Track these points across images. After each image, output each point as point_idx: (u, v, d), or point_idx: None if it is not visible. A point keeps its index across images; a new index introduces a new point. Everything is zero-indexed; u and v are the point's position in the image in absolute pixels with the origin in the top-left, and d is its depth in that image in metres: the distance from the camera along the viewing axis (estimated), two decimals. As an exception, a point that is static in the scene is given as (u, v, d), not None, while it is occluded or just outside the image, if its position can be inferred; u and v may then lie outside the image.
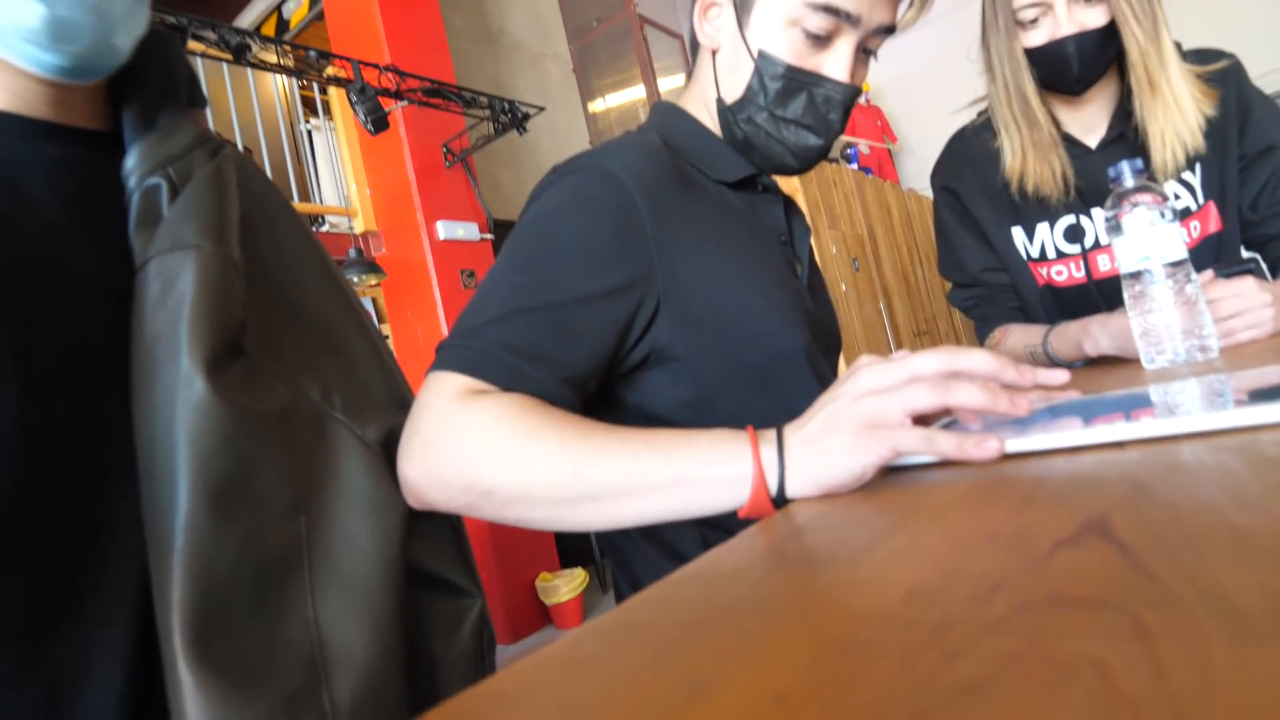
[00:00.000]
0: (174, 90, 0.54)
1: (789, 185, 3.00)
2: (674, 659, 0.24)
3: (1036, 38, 0.91)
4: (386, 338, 2.70)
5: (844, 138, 4.39)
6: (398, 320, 3.38)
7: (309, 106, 3.92)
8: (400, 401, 0.58)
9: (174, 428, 0.44)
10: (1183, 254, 0.68)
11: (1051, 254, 1.02)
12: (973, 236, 1.08)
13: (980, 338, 1.11)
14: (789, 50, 0.64)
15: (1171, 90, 0.88)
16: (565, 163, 0.65)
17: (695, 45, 0.73)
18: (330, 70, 3.04)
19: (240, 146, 3.26)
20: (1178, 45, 0.92)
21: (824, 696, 0.19)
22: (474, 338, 0.55)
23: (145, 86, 0.52)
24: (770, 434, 0.47)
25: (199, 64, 2.71)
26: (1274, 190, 0.94)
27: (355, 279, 2.97)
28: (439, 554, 0.57)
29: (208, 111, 0.59)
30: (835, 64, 0.65)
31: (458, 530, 0.60)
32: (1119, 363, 0.80)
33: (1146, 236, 0.68)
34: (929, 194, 1.14)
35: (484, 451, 0.49)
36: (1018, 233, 1.04)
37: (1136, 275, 0.69)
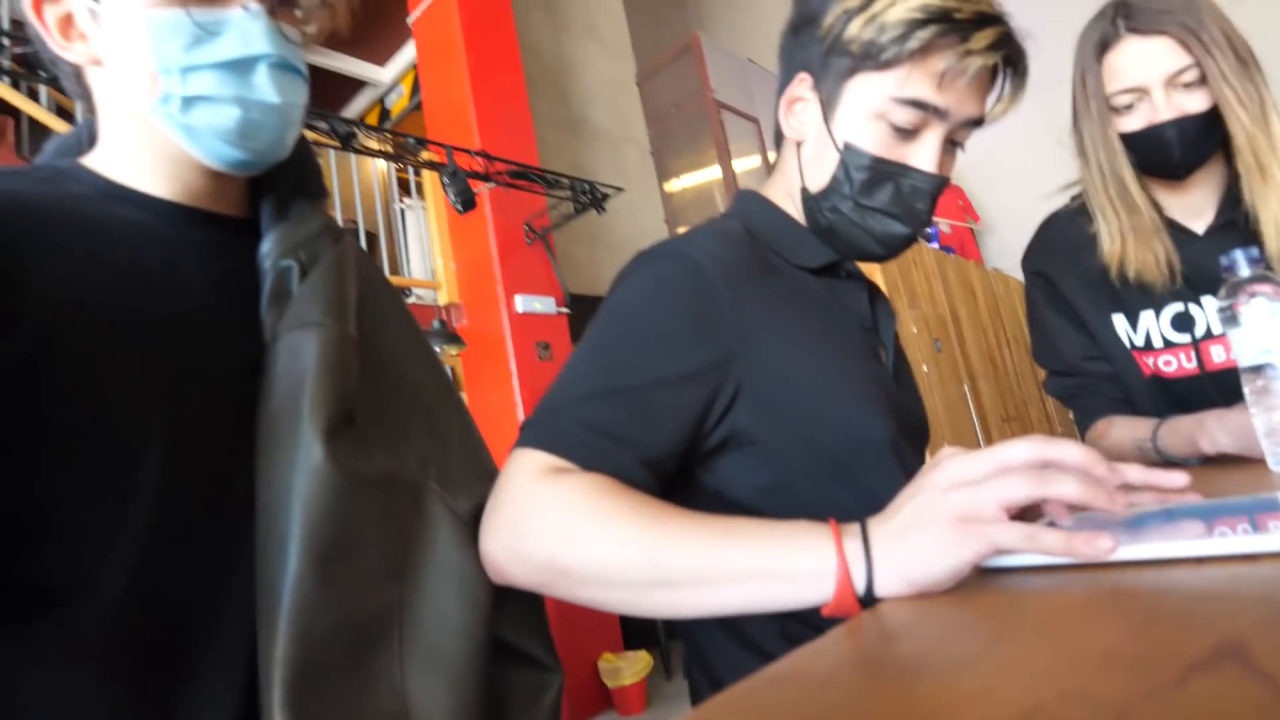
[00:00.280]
0: (306, 183, 0.60)
1: (867, 264, 2.97)
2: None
3: (1133, 123, 0.89)
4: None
5: (922, 218, 4.35)
6: (474, 389, 3.48)
7: (403, 187, 4.21)
8: (487, 475, 0.59)
9: (291, 491, 0.47)
10: (1308, 347, 0.63)
11: (1158, 343, 0.96)
12: (1069, 323, 1.03)
13: (1081, 429, 1.04)
14: (875, 143, 0.65)
15: (1284, 175, 0.84)
16: (649, 249, 0.66)
17: (779, 137, 0.75)
18: (425, 155, 3.26)
19: (340, 222, 3.51)
20: (1287, 129, 0.88)
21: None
22: (557, 416, 0.56)
23: (283, 180, 0.58)
24: (854, 528, 0.45)
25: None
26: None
27: (437, 349, 3.09)
28: (523, 628, 0.58)
29: None
30: (922, 155, 0.65)
31: (540, 606, 0.60)
32: (1241, 462, 0.74)
33: (1268, 328, 0.64)
34: (1014, 274, 1.10)
35: (562, 530, 0.49)
36: (1119, 320, 0.99)
37: (1259, 369, 0.65)
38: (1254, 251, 0.66)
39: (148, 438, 0.44)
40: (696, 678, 0.68)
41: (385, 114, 5.38)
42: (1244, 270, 0.66)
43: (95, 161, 0.54)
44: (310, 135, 2.86)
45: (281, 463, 0.47)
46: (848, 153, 0.66)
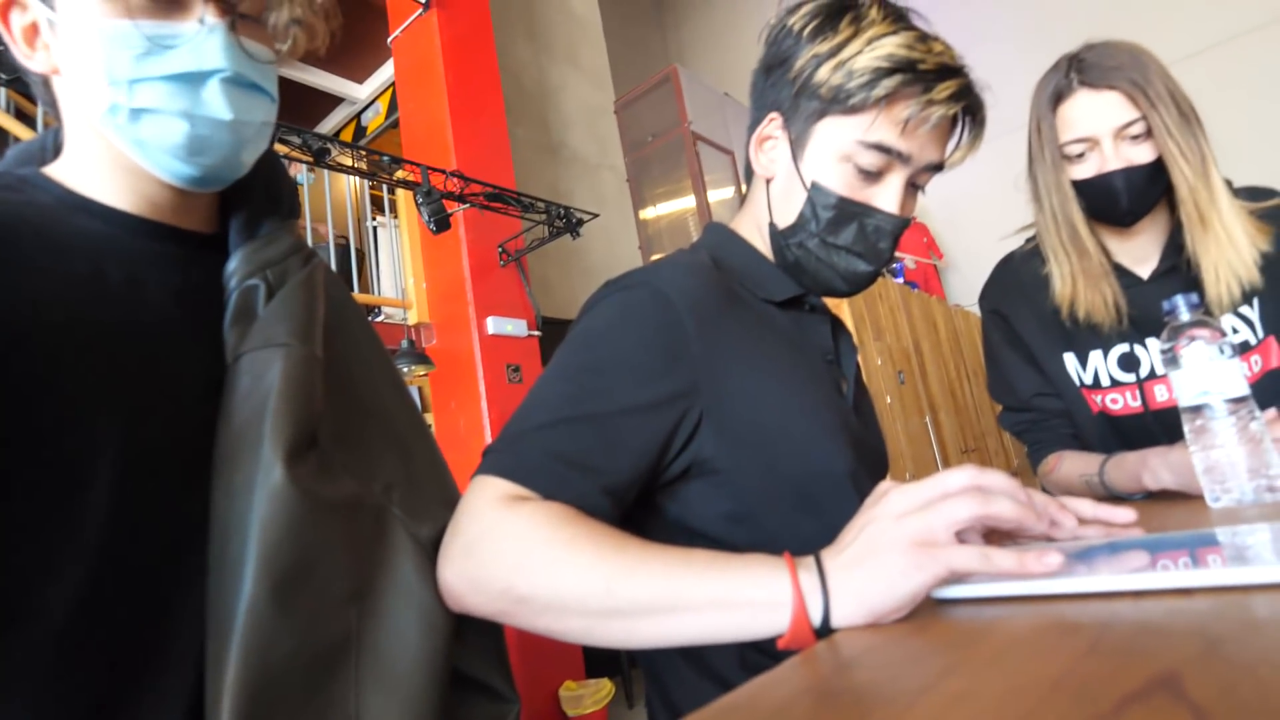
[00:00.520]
0: (276, 203, 0.60)
1: (833, 298, 3.03)
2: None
3: (1084, 171, 0.93)
4: (429, 427, 2.74)
5: (888, 252, 4.45)
6: (442, 410, 3.44)
7: (377, 205, 4.19)
8: (451, 502, 0.59)
9: (248, 513, 0.46)
10: (1244, 390, 0.66)
11: (1106, 382, 1.00)
12: (1023, 360, 1.07)
13: (1033, 464, 1.08)
14: (841, 183, 0.67)
15: (1223, 225, 0.89)
16: (618, 279, 0.67)
17: (750, 172, 0.77)
18: (400, 174, 3.25)
19: (310, 239, 3.45)
20: (1228, 182, 0.93)
21: None
22: (519, 443, 0.56)
23: (253, 197, 0.58)
24: (809, 560, 0.46)
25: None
26: (1338, 328, 0.92)
27: (405, 369, 3.06)
28: (482, 658, 0.57)
29: None
30: (886, 197, 0.68)
31: (500, 636, 0.60)
32: (1181, 498, 0.77)
33: (1205, 371, 0.67)
34: (975, 310, 1.14)
35: (519, 559, 0.50)
36: (1070, 359, 1.03)
37: (1197, 409, 0.68)
38: (1194, 297, 0.70)
39: (99, 457, 0.43)
40: (655, 707, 0.68)
41: (361, 131, 5.36)
42: (1184, 315, 0.69)
43: (58, 171, 0.53)
44: (282, 149, 2.84)
45: (239, 484, 0.47)
46: (815, 191, 0.68)
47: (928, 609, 0.43)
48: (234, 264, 0.55)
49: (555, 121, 4.66)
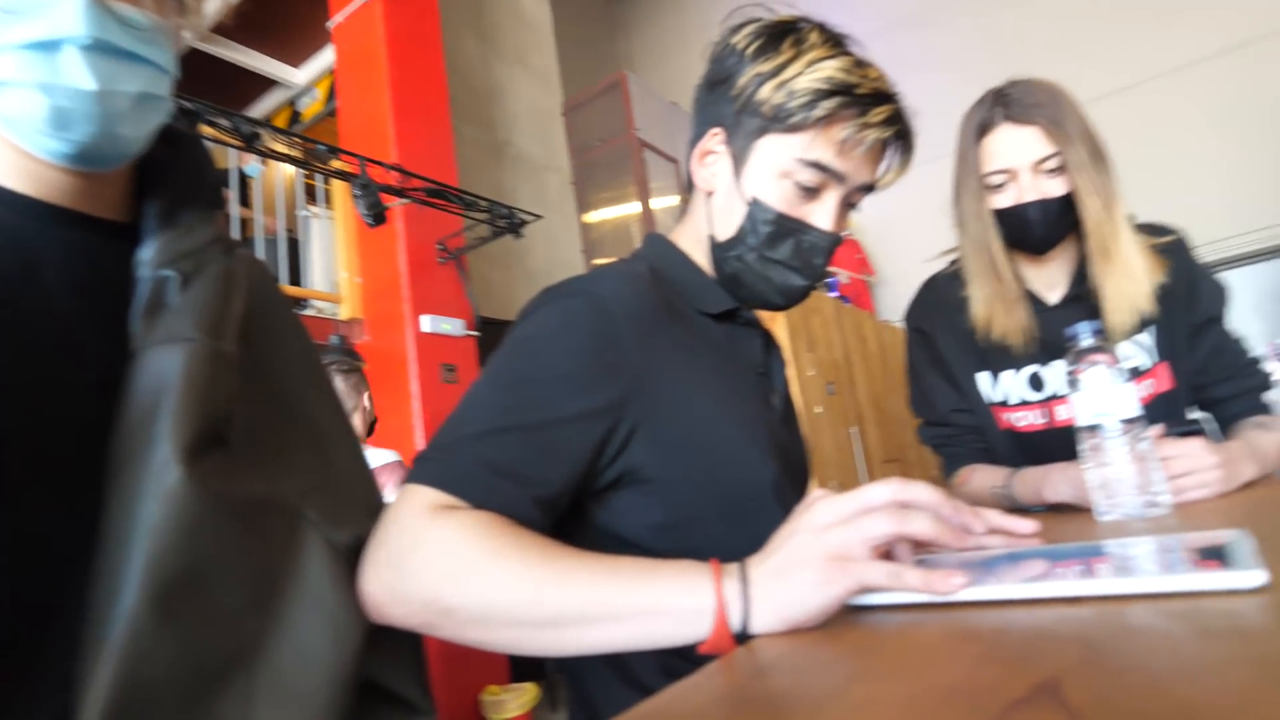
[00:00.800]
0: (198, 192, 0.57)
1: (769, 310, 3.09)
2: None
3: (1003, 200, 0.99)
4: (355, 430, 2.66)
5: (824, 267, 4.58)
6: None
7: (310, 194, 4.05)
8: (373, 509, 0.57)
9: (135, 516, 0.43)
10: (1136, 412, 0.72)
11: (1014, 400, 1.06)
12: (942, 378, 1.12)
13: (947, 476, 1.13)
14: (780, 199, 0.69)
15: (1124, 258, 0.95)
16: (556, 286, 0.68)
17: (690, 185, 0.78)
18: (336, 164, 3.16)
19: (238, 226, 3.31)
20: (1131, 217, 1.00)
21: None
22: (450, 453, 0.56)
23: (171, 185, 0.55)
24: (734, 568, 0.47)
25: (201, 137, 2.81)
26: (1219, 357, 1.01)
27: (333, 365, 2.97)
28: (396, 668, 0.55)
29: None
30: (821, 214, 0.70)
31: (418, 645, 0.59)
32: (1076, 511, 0.82)
33: (1102, 393, 0.72)
34: (903, 325, 1.19)
35: (447, 570, 0.49)
36: (983, 378, 1.08)
37: (1093, 429, 0.73)
38: (1096, 325, 0.75)
39: None
40: (576, 712, 0.69)
41: (296, 117, 5.18)
42: (1086, 341, 0.74)
43: None
44: (210, 132, 2.72)
45: (128, 486, 0.44)
46: (754, 206, 0.70)
47: (842, 615, 0.45)
48: (146, 253, 0.52)
49: (501, 121, 4.62)
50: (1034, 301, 1.04)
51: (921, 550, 0.55)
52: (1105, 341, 0.75)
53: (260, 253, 3.38)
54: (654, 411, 0.63)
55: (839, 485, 3.42)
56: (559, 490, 0.58)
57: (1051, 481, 0.85)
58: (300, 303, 3.48)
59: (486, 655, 3.10)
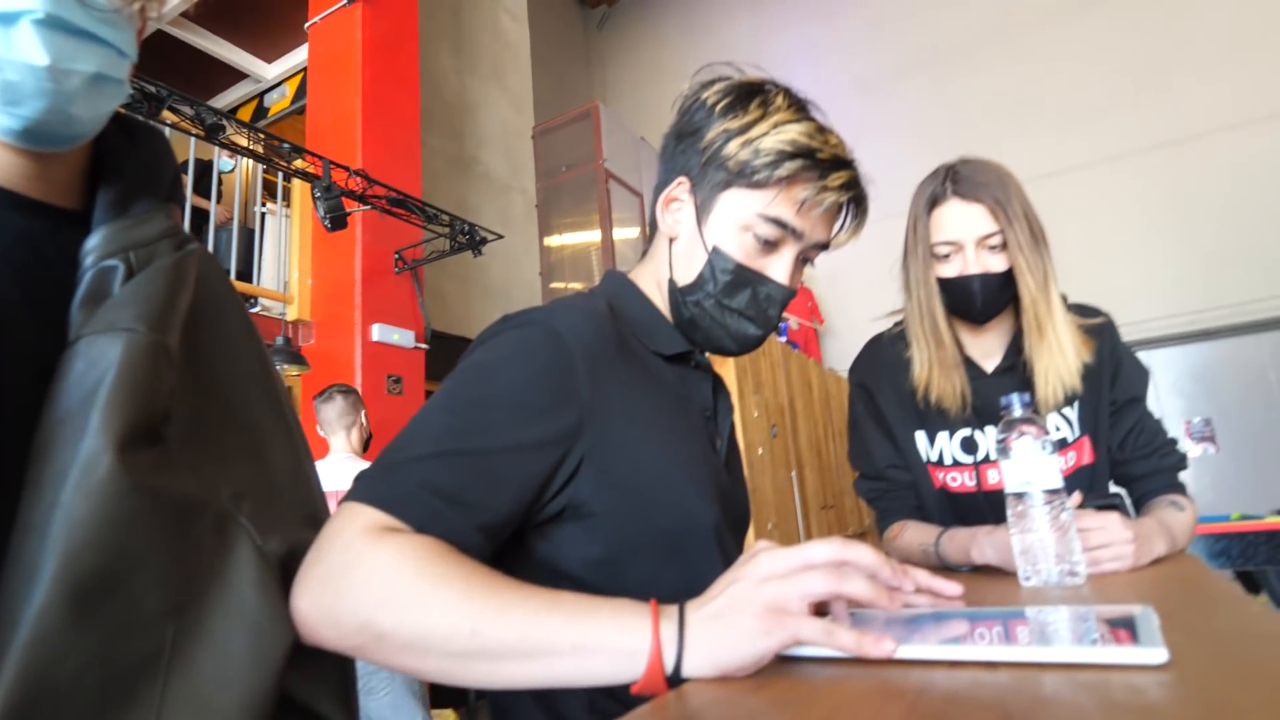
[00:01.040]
0: (154, 183, 0.55)
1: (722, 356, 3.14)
2: None
3: (948, 270, 1.04)
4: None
5: (777, 311, 4.69)
6: (312, 415, 3.26)
7: (269, 190, 3.96)
8: (312, 520, 0.56)
9: (57, 507, 0.41)
10: (1060, 484, 0.76)
11: (948, 460, 1.10)
12: (881, 433, 1.16)
13: (880, 529, 1.16)
14: (740, 250, 0.72)
15: (1056, 335, 1.01)
16: (515, 315, 0.68)
17: (654, 229, 0.80)
18: (299, 163, 3.11)
19: (189, 216, 3.20)
20: (1064, 297, 1.06)
21: None
22: (396, 473, 0.55)
23: (126, 174, 0.54)
24: (673, 610, 0.48)
25: (166, 132, 2.73)
26: (1138, 436, 1.07)
27: (276, 367, 2.88)
28: (319, 687, 0.53)
29: None
30: (778, 268, 0.73)
31: (346, 661, 0.57)
32: (1000, 574, 0.85)
33: (1029, 463, 0.76)
34: (848, 377, 1.23)
35: (384, 594, 0.48)
36: (920, 436, 1.13)
37: (1020, 496, 0.76)
38: (1026, 396, 0.79)
39: None
40: (501, 745, 0.67)
41: (262, 111, 5.08)
42: (1017, 411, 0.78)
43: None
44: (171, 118, 2.65)
45: (50, 477, 0.42)
46: (715, 255, 0.72)
47: (773, 663, 0.46)
48: (93, 241, 0.50)
49: (471, 137, 4.61)
50: (971, 368, 1.09)
51: (854, 606, 0.57)
52: (1035, 414, 0.79)
53: (210, 244, 3.27)
54: (602, 447, 0.63)
55: (777, 527, 3.46)
56: (503, 519, 0.58)
57: (979, 543, 0.89)
58: (248, 300, 3.38)
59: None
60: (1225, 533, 3.78)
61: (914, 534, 1.05)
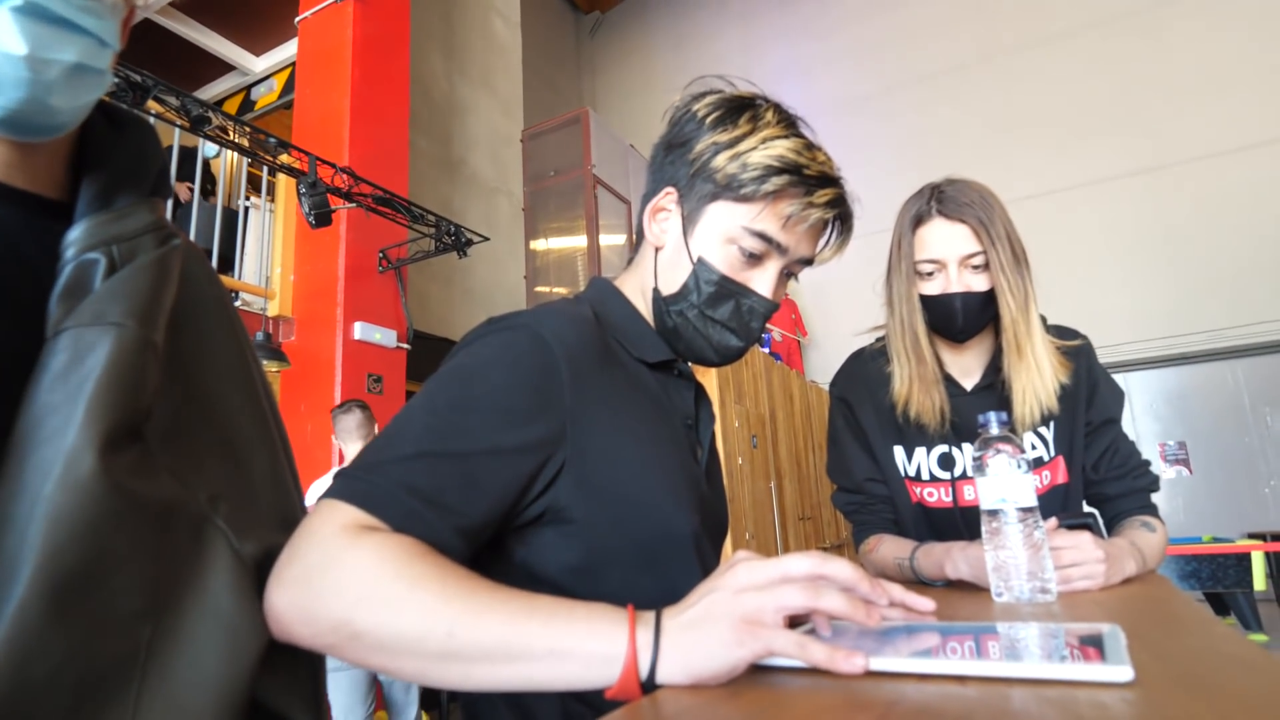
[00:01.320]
0: (140, 176, 0.54)
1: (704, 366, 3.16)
2: None
3: (931, 288, 1.05)
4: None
5: (760, 323, 4.72)
6: (290, 411, 3.22)
7: (253, 183, 3.92)
8: (289, 522, 0.55)
9: (36, 505, 0.41)
10: (1034, 502, 0.76)
11: (925, 476, 1.11)
12: (860, 447, 1.17)
13: (856, 542, 1.17)
14: (724, 262, 0.72)
15: (1035, 355, 1.03)
16: (500, 318, 0.68)
17: (641, 237, 0.81)
18: (285, 158, 3.08)
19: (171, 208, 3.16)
20: (1043, 318, 1.08)
21: None
22: (376, 473, 0.55)
23: (110, 165, 0.53)
24: (649, 616, 0.48)
25: (150, 121, 2.70)
26: (1112, 457, 1.09)
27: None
28: (291, 692, 0.53)
29: None
30: (762, 281, 0.73)
31: (318, 668, 0.56)
32: (973, 589, 0.86)
33: (1005, 481, 0.76)
34: (829, 390, 1.24)
35: (360, 594, 0.48)
36: (899, 451, 1.14)
37: (994, 513, 0.77)
38: (1004, 415, 0.80)
39: None
40: (471, 750, 0.67)
41: (249, 104, 5.04)
42: (994, 429, 0.79)
43: None
44: (156, 109, 2.62)
45: (33, 472, 0.42)
46: (700, 266, 0.73)
47: (747, 671, 0.46)
48: (74, 234, 0.49)
49: (459, 139, 4.60)
50: (951, 385, 1.10)
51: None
52: (1012, 432, 0.80)
53: (191, 230, 3.23)
54: (583, 453, 0.63)
55: (755, 538, 3.47)
56: (482, 522, 0.57)
57: (953, 559, 0.89)
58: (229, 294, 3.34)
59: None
60: (1196, 555, 3.85)
61: (889, 548, 1.06)
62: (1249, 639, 0.47)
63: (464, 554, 0.55)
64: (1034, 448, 1.08)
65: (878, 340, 1.18)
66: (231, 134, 2.91)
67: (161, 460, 0.48)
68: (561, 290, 4.45)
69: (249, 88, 5.10)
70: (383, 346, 3.36)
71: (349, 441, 2.76)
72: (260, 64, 5.04)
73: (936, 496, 1.11)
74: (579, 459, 0.63)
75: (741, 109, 0.73)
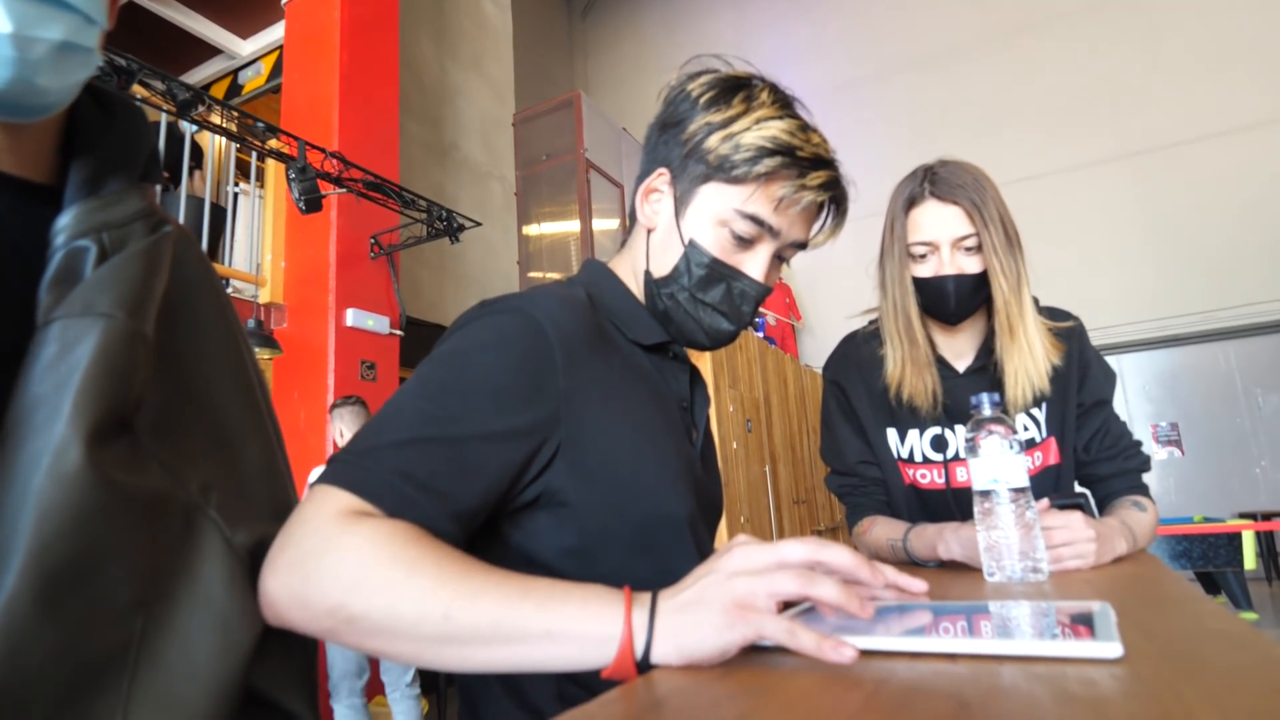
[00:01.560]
0: (130, 161, 0.54)
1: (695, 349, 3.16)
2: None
3: (924, 270, 1.05)
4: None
5: (754, 307, 4.72)
6: (283, 399, 3.21)
7: (241, 169, 3.88)
8: (282, 511, 0.55)
9: (26, 497, 0.40)
10: (1025, 482, 0.77)
11: (918, 458, 1.12)
12: (853, 430, 1.17)
13: (850, 524, 1.18)
14: (716, 245, 0.72)
15: (1027, 337, 1.03)
16: (492, 301, 0.67)
17: (633, 219, 0.80)
18: (274, 143, 3.05)
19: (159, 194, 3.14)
20: (1036, 300, 1.08)
21: None
22: (369, 458, 0.54)
23: (99, 150, 0.52)
24: (645, 597, 0.48)
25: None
26: (1103, 438, 1.09)
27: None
28: (284, 679, 0.53)
29: None
30: (754, 264, 0.73)
31: (310, 655, 0.56)
32: (965, 570, 0.87)
33: (997, 462, 0.77)
34: (821, 372, 1.24)
35: (355, 578, 0.48)
36: (891, 434, 1.14)
37: (987, 494, 0.77)
38: (996, 397, 0.80)
39: None
40: (466, 732, 0.67)
41: (236, 89, 4.97)
42: (986, 410, 0.79)
43: None
44: (142, 93, 2.58)
45: (23, 464, 0.41)
46: (691, 249, 0.72)
47: (741, 652, 0.47)
48: (64, 220, 0.48)
49: (450, 123, 4.56)
50: (943, 367, 1.11)
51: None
52: (1004, 414, 0.80)
53: (180, 215, 3.20)
54: (578, 437, 0.63)
55: (749, 521, 3.48)
56: (476, 506, 0.57)
57: (945, 540, 0.90)
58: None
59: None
60: (1188, 534, 3.89)
61: (882, 529, 1.06)
62: (1239, 617, 0.47)
63: (458, 538, 0.55)
64: (1026, 429, 1.09)
65: (871, 323, 1.18)
66: (219, 119, 2.88)
67: (151, 451, 0.47)
68: (555, 275, 4.44)
69: (236, 72, 5.03)
70: (375, 333, 3.35)
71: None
72: (247, 47, 4.98)
73: (929, 478, 1.11)
74: (573, 443, 0.63)
75: (736, 89, 0.72)
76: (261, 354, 2.94)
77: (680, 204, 0.73)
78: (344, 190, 3.17)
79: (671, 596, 0.48)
